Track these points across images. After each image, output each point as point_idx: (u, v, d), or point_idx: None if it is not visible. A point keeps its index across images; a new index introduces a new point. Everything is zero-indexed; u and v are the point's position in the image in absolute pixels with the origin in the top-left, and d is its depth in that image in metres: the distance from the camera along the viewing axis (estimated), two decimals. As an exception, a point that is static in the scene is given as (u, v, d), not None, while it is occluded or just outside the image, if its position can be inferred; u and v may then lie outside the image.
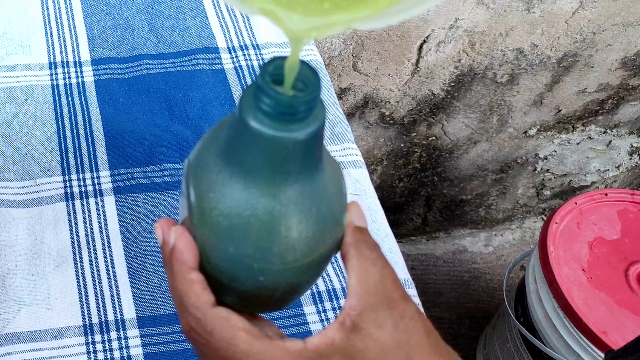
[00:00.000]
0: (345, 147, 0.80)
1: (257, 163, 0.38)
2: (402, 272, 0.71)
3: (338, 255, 0.43)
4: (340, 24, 0.36)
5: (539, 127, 1.60)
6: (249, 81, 0.84)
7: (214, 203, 0.39)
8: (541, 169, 1.73)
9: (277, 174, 0.38)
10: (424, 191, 1.69)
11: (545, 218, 1.88)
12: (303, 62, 0.37)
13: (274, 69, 0.37)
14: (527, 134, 1.61)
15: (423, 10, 0.34)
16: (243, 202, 0.39)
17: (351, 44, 1.28)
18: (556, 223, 1.22)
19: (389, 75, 1.36)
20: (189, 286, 0.41)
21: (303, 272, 0.41)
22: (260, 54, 0.87)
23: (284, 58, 0.37)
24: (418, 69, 1.36)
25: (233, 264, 0.40)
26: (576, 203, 1.26)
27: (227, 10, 0.91)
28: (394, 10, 0.35)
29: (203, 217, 0.40)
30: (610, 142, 1.71)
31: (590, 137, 1.68)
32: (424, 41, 1.31)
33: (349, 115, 1.42)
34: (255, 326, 0.41)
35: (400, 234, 1.78)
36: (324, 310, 0.67)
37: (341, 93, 1.37)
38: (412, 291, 0.70)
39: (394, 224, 1.75)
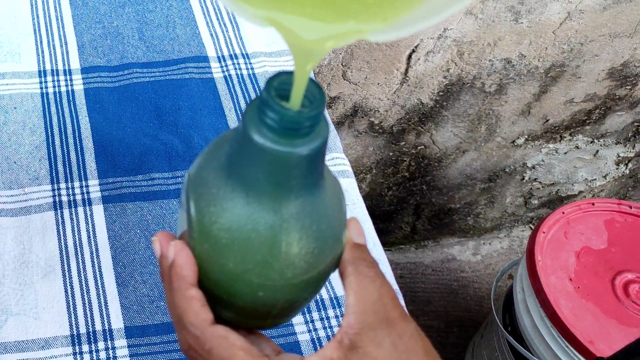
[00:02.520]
0: (334, 156, 0.80)
1: (260, 178, 0.38)
2: (391, 283, 0.71)
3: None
4: (353, 35, 0.35)
5: (526, 136, 1.61)
6: (238, 90, 0.84)
7: (215, 217, 0.39)
8: (529, 178, 1.74)
9: (279, 189, 0.38)
10: (412, 200, 1.70)
11: (533, 227, 1.88)
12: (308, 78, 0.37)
13: (278, 83, 0.37)
14: (515, 144, 1.62)
15: (438, 21, 0.33)
16: (244, 217, 0.39)
17: (341, 53, 1.28)
18: (544, 232, 1.23)
19: (378, 84, 1.36)
20: (187, 303, 0.40)
21: (302, 288, 0.41)
22: (250, 63, 0.87)
23: (288, 73, 0.37)
24: (407, 78, 1.37)
25: (232, 278, 0.40)
26: (563, 212, 1.26)
27: (217, 19, 0.91)
28: (406, 21, 0.34)
29: (203, 231, 0.40)
30: (597, 151, 1.72)
31: (577, 147, 1.69)
32: (413, 51, 1.32)
33: (339, 124, 1.42)
34: (253, 343, 0.42)
35: (389, 243, 1.79)
36: (312, 321, 0.66)
37: (331, 102, 1.37)
38: (400, 302, 0.70)
39: (383, 233, 1.75)
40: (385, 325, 0.40)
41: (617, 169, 1.80)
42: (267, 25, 0.36)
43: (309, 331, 0.66)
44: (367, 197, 1.63)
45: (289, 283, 0.40)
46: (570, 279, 1.18)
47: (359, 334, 0.39)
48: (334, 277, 0.69)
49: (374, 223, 0.76)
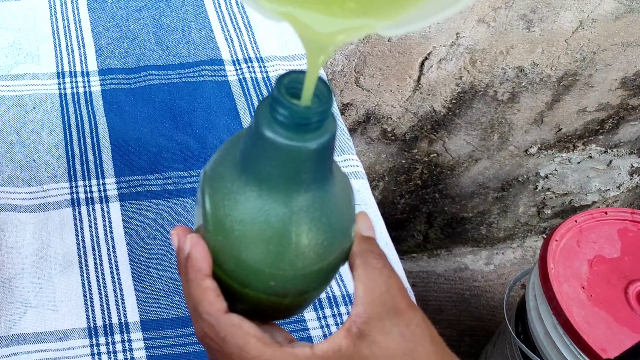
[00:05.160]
0: (346, 158, 0.81)
1: (271, 172, 0.39)
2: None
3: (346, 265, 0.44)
4: (365, 28, 0.36)
5: (539, 145, 1.61)
6: (252, 93, 0.85)
7: (229, 210, 0.41)
8: (542, 188, 1.74)
9: (289, 182, 0.40)
10: (425, 208, 1.70)
11: (545, 237, 1.88)
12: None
13: (289, 82, 0.39)
14: (528, 153, 1.62)
15: (447, 15, 0.35)
16: (256, 209, 0.40)
17: (354, 60, 1.30)
18: (556, 240, 1.23)
19: (391, 91, 1.37)
20: (203, 293, 0.42)
21: (312, 279, 0.42)
22: (264, 67, 0.88)
23: (299, 72, 0.39)
24: (420, 85, 1.37)
25: (245, 268, 0.41)
26: (576, 221, 1.26)
27: (232, 23, 0.92)
28: (415, 16, 0.35)
29: (217, 224, 0.41)
30: (610, 161, 1.72)
31: (590, 157, 1.69)
32: (426, 58, 1.32)
33: (351, 131, 1.43)
34: (266, 332, 0.42)
35: (401, 251, 1.79)
36: (324, 317, 0.67)
37: (343, 108, 1.38)
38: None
39: (395, 241, 1.75)
40: (392, 315, 0.41)
41: (631, 179, 1.79)
42: (281, 20, 0.37)
43: (322, 327, 0.66)
44: (379, 205, 1.63)
45: (299, 273, 0.41)
46: (583, 287, 1.18)
47: (367, 323, 0.40)
48: (346, 275, 0.70)
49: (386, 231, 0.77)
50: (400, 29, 0.36)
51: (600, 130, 1.62)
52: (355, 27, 0.36)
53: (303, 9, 0.36)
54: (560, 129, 1.58)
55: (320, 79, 0.39)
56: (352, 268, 0.43)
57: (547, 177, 1.71)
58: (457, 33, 1.30)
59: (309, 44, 0.38)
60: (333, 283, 0.70)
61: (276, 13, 0.37)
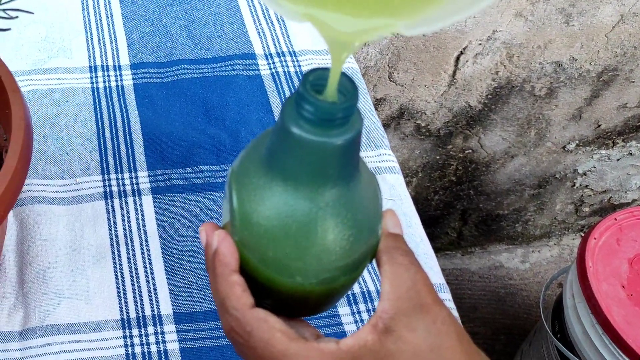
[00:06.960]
0: (381, 152, 0.80)
1: (297, 167, 0.40)
2: (437, 277, 0.71)
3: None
4: (387, 28, 0.36)
5: (577, 142, 1.58)
6: (285, 87, 0.84)
7: (255, 205, 0.41)
8: (580, 185, 1.71)
9: (315, 178, 0.40)
10: (459, 205, 1.68)
11: (584, 235, 1.85)
12: (342, 73, 0.39)
13: (314, 78, 0.39)
14: (566, 149, 1.59)
15: (468, 15, 0.34)
16: (282, 205, 0.41)
17: (387, 54, 1.28)
18: (595, 238, 1.21)
19: (425, 86, 1.36)
20: (230, 288, 0.42)
21: (339, 274, 0.43)
22: (297, 61, 0.87)
23: (324, 69, 0.39)
24: (455, 80, 1.36)
25: (271, 264, 0.42)
26: (616, 219, 1.24)
27: (264, 17, 0.92)
28: (436, 15, 0.36)
29: (244, 220, 0.42)
30: (651, 158, 1.69)
31: (631, 154, 1.66)
32: (461, 52, 1.31)
33: (385, 126, 1.42)
34: (292, 327, 0.43)
35: (435, 248, 1.77)
36: (359, 312, 0.67)
37: (377, 103, 1.37)
38: (447, 295, 0.69)
39: (429, 238, 1.74)
40: (419, 311, 0.41)
41: (672, 177, 1.76)
42: (304, 20, 0.37)
43: (356, 322, 0.66)
44: (413, 201, 1.62)
45: (325, 268, 0.42)
46: (623, 286, 1.16)
47: (393, 319, 0.41)
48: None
49: (420, 225, 0.77)
50: (422, 28, 0.36)
51: (641, 127, 1.59)
52: (376, 27, 0.37)
53: (325, 10, 0.36)
54: (600, 125, 1.55)
55: (345, 76, 0.39)
56: (378, 265, 0.44)
57: (585, 174, 1.68)
58: (494, 28, 1.28)
59: (331, 43, 0.39)
60: (367, 278, 0.69)
61: (298, 14, 0.37)
